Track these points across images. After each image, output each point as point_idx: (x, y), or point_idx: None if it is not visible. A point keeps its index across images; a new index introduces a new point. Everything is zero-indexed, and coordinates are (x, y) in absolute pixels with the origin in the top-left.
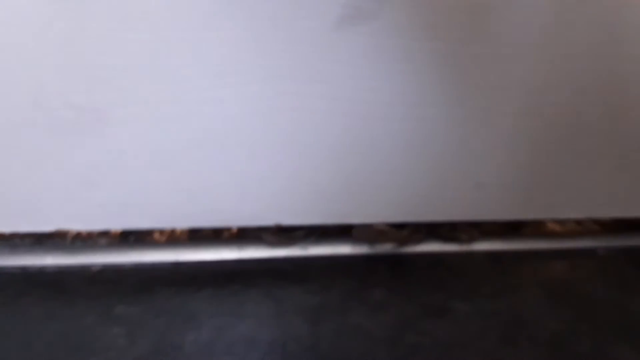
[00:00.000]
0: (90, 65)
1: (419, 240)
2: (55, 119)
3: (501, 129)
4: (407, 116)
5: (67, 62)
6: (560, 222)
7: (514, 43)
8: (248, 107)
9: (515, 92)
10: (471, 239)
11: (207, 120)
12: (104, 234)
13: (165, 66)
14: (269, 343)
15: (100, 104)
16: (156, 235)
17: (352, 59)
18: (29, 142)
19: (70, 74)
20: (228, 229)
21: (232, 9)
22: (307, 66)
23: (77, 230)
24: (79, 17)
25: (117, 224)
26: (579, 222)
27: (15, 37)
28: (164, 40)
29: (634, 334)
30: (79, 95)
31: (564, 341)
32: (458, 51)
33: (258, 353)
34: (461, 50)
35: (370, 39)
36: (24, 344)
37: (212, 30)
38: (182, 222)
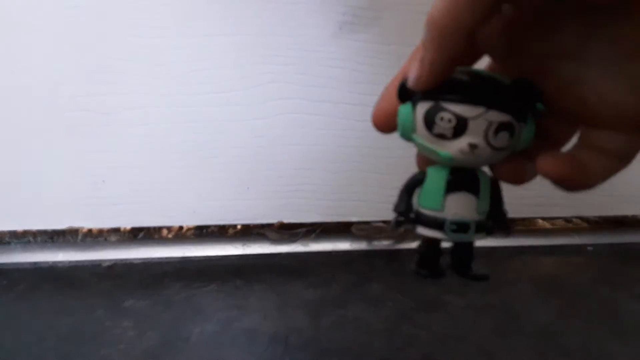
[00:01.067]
0: (100, 69)
1: (415, 237)
2: (67, 121)
3: None
4: None
5: (78, 67)
6: (550, 220)
7: None
8: (252, 109)
9: None
10: None
11: (213, 121)
12: (114, 231)
13: (173, 70)
14: (272, 335)
15: (111, 106)
16: (164, 232)
17: (350, 64)
18: (41, 143)
19: (81, 77)
20: (233, 226)
21: (237, 16)
22: (309, 71)
23: (88, 227)
24: (90, 24)
25: (126, 222)
26: (567, 220)
27: (30, 43)
28: (172, 46)
29: (620, 326)
30: (90, 97)
31: (554, 333)
32: None
33: (261, 345)
34: None
35: (368, 45)
36: (36, 337)
37: (219, 35)
38: (189, 219)
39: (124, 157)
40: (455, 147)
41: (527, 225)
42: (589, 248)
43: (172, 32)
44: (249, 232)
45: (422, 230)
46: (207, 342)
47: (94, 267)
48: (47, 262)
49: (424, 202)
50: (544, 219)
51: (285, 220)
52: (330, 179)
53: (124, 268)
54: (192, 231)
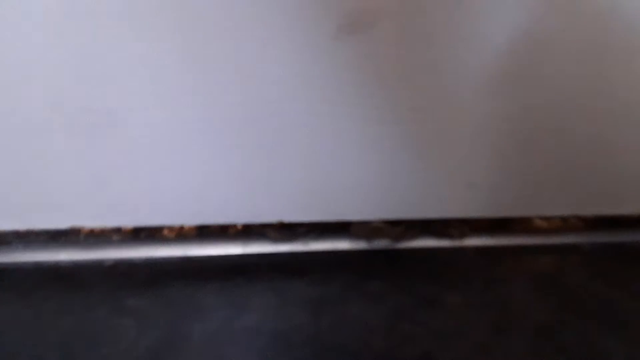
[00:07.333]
0: (104, 71)
1: (413, 236)
2: (71, 122)
3: (490, 132)
4: (402, 119)
5: (82, 68)
6: (546, 218)
7: (503, 50)
8: (252, 109)
9: (503, 98)
10: (462, 235)
11: (213, 121)
12: (117, 230)
13: (175, 71)
14: (273, 333)
15: (114, 107)
16: (166, 232)
17: (349, 66)
18: (45, 143)
19: (85, 78)
20: (234, 226)
21: (234, 18)
22: (307, 73)
23: (90, 227)
24: (93, 23)
25: (128, 221)
26: (564, 218)
27: (33, 43)
28: (174, 46)
29: (617, 324)
30: (94, 99)
31: (551, 331)
32: (450, 58)
33: (262, 343)
34: (453, 58)
35: (367, 47)
36: (38, 336)
37: (218, 38)
38: (191, 219)
39: (126, 156)
40: None
41: (523, 224)
42: (586, 247)
43: (174, 34)
44: (249, 232)
45: None
46: (208, 340)
47: (96, 267)
48: (49, 262)
49: None
50: (540, 217)
51: (286, 220)
52: (329, 179)
53: (125, 267)
54: (194, 230)
